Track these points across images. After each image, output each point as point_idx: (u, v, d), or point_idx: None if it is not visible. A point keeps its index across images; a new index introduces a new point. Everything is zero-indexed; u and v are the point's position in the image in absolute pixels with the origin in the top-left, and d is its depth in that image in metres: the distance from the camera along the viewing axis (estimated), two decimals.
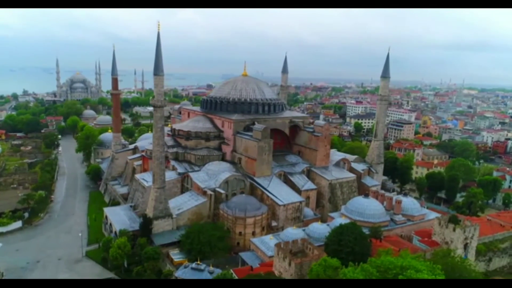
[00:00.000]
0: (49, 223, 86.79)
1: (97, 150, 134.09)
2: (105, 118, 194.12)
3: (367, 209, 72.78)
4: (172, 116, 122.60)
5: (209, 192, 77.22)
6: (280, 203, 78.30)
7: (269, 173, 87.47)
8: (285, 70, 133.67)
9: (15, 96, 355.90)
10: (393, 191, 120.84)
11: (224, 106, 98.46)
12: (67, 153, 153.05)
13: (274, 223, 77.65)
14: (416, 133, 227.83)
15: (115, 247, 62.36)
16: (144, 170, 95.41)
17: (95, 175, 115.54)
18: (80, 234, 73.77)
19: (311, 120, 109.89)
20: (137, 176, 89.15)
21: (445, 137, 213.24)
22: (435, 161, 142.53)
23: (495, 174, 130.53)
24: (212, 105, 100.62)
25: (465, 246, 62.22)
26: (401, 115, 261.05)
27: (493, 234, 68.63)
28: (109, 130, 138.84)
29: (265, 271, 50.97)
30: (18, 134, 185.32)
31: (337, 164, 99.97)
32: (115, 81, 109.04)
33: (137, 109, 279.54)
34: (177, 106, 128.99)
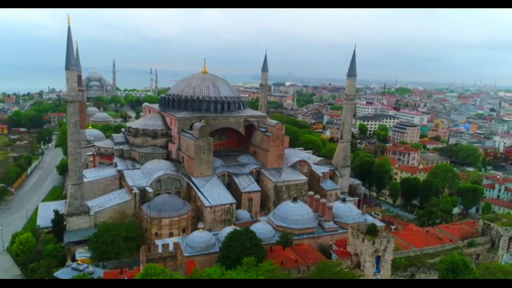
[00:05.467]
0: None
1: None
2: (102, 115, 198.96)
3: (291, 214, 68.34)
4: (141, 114, 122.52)
5: (134, 190, 75.55)
6: (206, 204, 75.38)
7: (210, 173, 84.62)
8: (265, 68, 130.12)
9: (40, 94, 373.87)
10: (364, 196, 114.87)
11: (176, 103, 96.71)
12: (57, 148, 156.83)
13: (200, 225, 74.71)
14: (424, 136, 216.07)
15: (17, 243, 62.05)
16: (94, 166, 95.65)
17: (63, 170, 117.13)
18: (0, 228, 74.34)
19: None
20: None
21: (452, 141, 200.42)
22: (420, 166, 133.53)
23: (484, 182, 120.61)
24: (166, 103, 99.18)
25: (379, 259, 56.67)
26: (411, 117, 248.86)
27: (421, 248, 62.14)
28: (89, 127, 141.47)
29: (134, 275, 48.40)
30: (21, 129, 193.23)
31: (293, 166, 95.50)
32: (78, 78, 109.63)
33: None
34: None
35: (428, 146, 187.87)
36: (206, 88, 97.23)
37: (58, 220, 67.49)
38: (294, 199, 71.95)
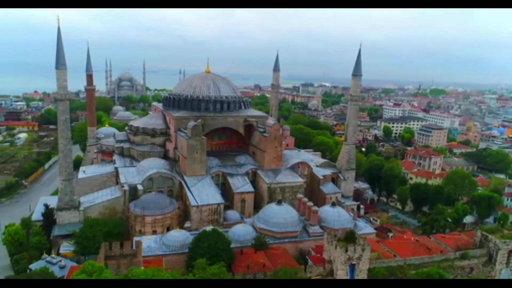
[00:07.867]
0: (1, 208, 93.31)
1: None
2: (125, 114, 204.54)
3: (274, 217, 66.89)
4: (150, 113, 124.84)
5: (124, 187, 76.81)
6: (193, 203, 75.22)
7: (203, 172, 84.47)
8: (276, 68, 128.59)
9: (77, 93, 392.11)
10: (372, 201, 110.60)
11: (176, 103, 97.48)
12: (75, 145, 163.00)
13: (187, 224, 74.86)
14: (453, 140, 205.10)
15: (6, 234, 64.84)
16: (97, 163, 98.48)
17: (76, 166, 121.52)
18: None
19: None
20: (81, 168, 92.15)
21: (483, 145, 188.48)
22: (437, 171, 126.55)
23: (506, 190, 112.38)
24: (168, 102, 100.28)
25: (353, 268, 53.95)
26: (441, 120, 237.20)
27: (406, 258, 58.47)
28: (106, 125, 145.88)
29: None
30: (51, 127, 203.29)
31: (292, 168, 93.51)
32: (89, 77, 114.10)
33: None
34: None
35: (455, 151, 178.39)
36: (207, 87, 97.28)
37: (48, 214, 69.85)
38: (279, 202, 70.39)
